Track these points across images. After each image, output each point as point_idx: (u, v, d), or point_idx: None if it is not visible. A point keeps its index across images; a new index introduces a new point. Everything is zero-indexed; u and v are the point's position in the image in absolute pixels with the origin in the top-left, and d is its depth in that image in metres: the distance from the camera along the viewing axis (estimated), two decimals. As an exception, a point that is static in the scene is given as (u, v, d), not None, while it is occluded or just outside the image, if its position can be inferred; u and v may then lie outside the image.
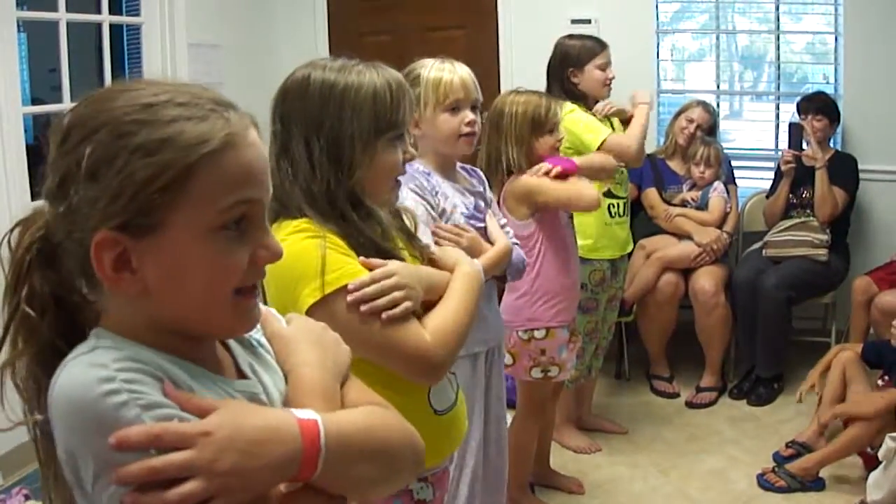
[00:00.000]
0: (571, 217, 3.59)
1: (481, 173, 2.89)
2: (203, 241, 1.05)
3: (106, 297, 1.10)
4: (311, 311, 1.72)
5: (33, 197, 4.23)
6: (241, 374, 1.21)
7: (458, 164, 2.76)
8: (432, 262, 2.03)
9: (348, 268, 1.77)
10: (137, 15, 5.14)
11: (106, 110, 1.04)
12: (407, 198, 2.36)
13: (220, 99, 1.10)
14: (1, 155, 4.04)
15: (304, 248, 1.77)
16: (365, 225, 1.86)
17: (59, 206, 1.06)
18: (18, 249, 1.10)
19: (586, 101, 4.17)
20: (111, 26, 4.97)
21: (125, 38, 5.78)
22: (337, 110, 1.83)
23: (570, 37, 4.31)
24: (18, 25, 4.40)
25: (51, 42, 4.60)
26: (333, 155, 1.83)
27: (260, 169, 1.10)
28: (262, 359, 1.26)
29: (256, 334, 1.28)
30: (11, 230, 1.12)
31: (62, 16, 4.51)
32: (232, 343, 1.23)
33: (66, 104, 4.57)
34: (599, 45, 4.22)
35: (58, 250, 1.10)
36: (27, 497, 3.52)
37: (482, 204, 2.72)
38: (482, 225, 2.67)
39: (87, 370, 1.00)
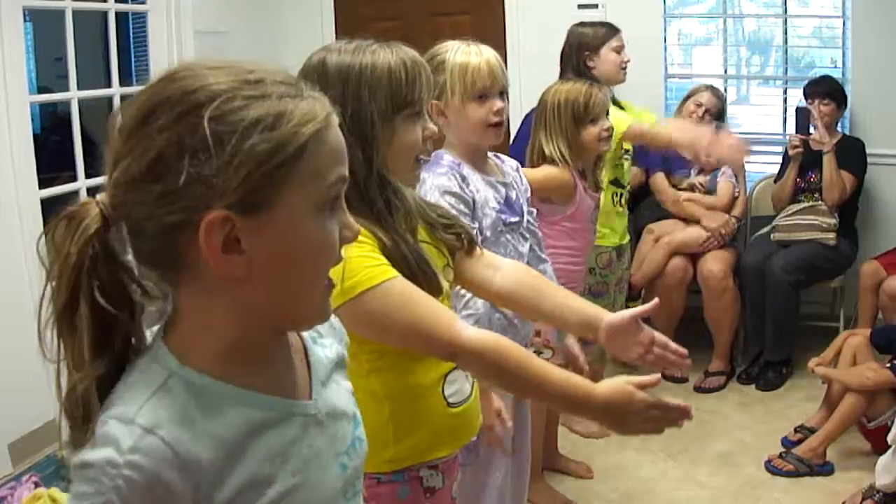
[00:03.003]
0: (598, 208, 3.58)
1: (513, 160, 2.82)
2: (310, 219, 1.04)
3: (181, 291, 1.07)
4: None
5: (40, 185, 4.24)
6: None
7: (490, 153, 2.70)
8: None
9: (366, 272, 1.74)
10: (143, 3, 5.14)
11: (206, 85, 1.00)
12: (429, 193, 2.36)
13: (305, 81, 1.09)
14: (8, 143, 4.05)
15: None
16: (391, 213, 1.85)
17: (150, 189, 0.99)
18: (71, 245, 1.01)
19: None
20: (117, 14, 4.97)
21: (131, 25, 5.78)
22: (356, 90, 1.81)
23: (582, 24, 4.31)
24: (24, 14, 4.39)
25: (57, 31, 4.60)
26: (358, 135, 1.80)
27: (345, 148, 1.10)
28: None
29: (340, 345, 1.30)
30: (56, 224, 1.03)
31: (68, 4, 4.51)
32: (314, 355, 1.23)
33: (73, 93, 4.58)
34: (612, 30, 4.22)
35: (112, 242, 1.04)
36: (37, 484, 3.53)
37: (514, 196, 2.67)
38: (515, 219, 2.64)
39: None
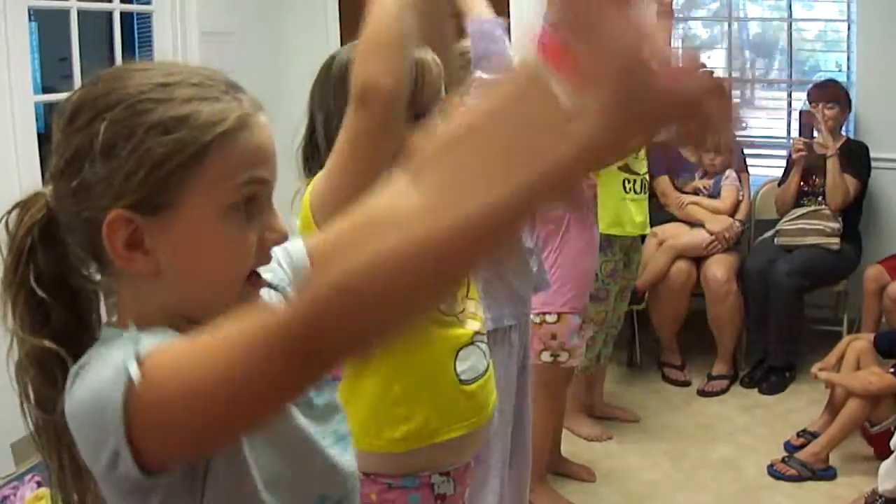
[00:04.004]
0: (596, 203, 3.57)
1: None
2: (215, 220, 1.05)
3: (115, 280, 1.10)
4: None
5: (45, 185, 4.24)
6: None
7: None
8: None
9: None
10: (148, 3, 5.14)
11: (119, 88, 1.04)
12: None
13: (230, 82, 1.10)
14: (13, 143, 4.05)
15: None
16: None
17: (68, 186, 1.05)
18: (19, 231, 1.10)
19: None
20: (122, 14, 4.97)
21: (136, 26, 5.78)
22: (328, 87, 1.81)
23: None
24: (29, 14, 4.40)
25: (62, 31, 4.60)
26: (326, 134, 1.80)
27: (269, 151, 1.10)
28: None
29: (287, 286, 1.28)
30: (9, 212, 1.12)
31: (73, 4, 4.51)
32: None
33: (78, 92, 4.58)
34: None
35: (60, 232, 1.09)
36: (39, 484, 3.53)
37: None
38: None
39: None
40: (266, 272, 1.15)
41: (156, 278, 1.05)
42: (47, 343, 1.07)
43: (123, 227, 1.02)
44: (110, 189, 1.02)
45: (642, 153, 4.21)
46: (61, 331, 1.09)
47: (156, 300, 1.08)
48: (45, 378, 1.08)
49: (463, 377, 1.96)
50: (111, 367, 0.93)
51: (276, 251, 1.18)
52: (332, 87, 1.82)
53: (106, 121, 1.02)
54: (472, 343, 1.98)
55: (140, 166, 1.01)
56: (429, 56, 1.87)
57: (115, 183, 1.02)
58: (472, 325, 2.00)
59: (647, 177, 4.21)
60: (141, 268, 1.04)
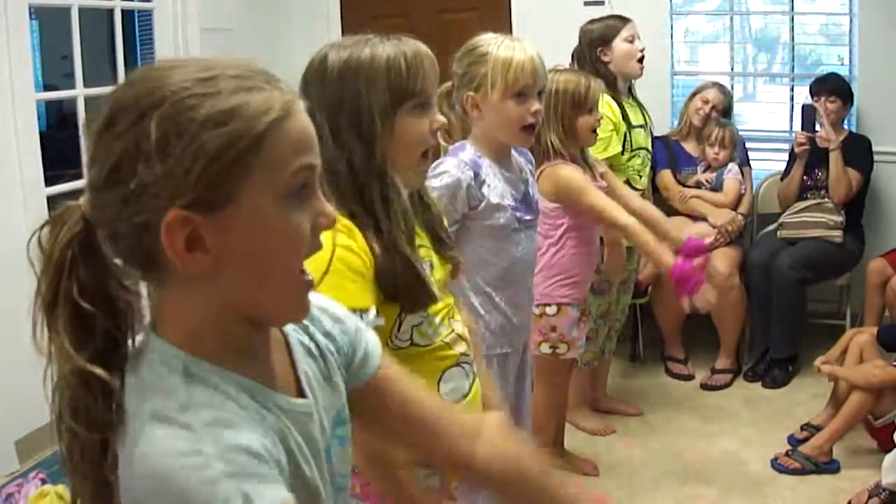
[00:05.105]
0: None
1: (527, 153, 2.77)
2: (274, 210, 1.03)
3: (162, 286, 1.08)
4: None
5: (46, 183, 4.25)
6: (300, 389, 1.19)
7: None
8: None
9: (337, 293, 1.51)
10: (149, 0, 5.14)
11: (160, 86, 1.01)
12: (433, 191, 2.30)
13: (265, 70, 1.09)
14: (15, 141, 4.06)
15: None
16: (388, 213, 1.79)
17: (115, 192, 1.01)
18: (56, 246, 1.05)
19: (615, 85, 4.10)
20: (123, 12, 4.97)
21: (137, 23, 5.79)
22: (353, 85, 1.77)
23: (592, 21, 4.27)
24: (30, 12, 4.40)
25: (63, 28, 4.61)
26: (357, 131, 1.78)
27: (313, 136, 1.09)
28: (328, 364, 1.26)
29: (322, 336, 1.27)
30: (41, 228, 1.08)
31: (74, 2, 4.52)
32: (297, 352, 1.22)
33: (79, 90, 4.59)
34: (622, 20, 4.19)
35: (98, 243, 1.06)
36: (44, 481, 3.54)
37: (531, 193, 2.64)
38: (530, 217, 2.61)
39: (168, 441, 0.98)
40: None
41: (212, 279, 1.04)
42: (92, 365, 1.04)
43: (182, 228, 1.00)
44: (166, 189, 0.99)
45: (644, 178, 4.23)
46: (104, 345, 1.07)
47: (209, 302, 1.06)
48: (87, 396, 1.05)
49: (447, 399, 1.94)
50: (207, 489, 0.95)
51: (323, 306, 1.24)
52: (336, 87, 1.80)
53: (155, 119, 0.99)
54: (457, 364, 1.97)
55: (196, 162, 0.99)
56: (422, 47, 1.86)
57: (171, 182, 0.99)
58: (459, 348, 1.98)
59: (647, 192, 4.25)
60: (201, 268, 1.02)
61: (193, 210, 0.99)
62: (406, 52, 1.81)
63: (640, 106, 4.28)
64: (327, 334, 1.28)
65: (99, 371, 1.04)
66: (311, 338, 1.26)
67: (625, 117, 4.06)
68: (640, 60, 4.16)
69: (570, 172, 3.31)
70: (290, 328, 1.23)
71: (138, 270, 1.08)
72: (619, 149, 4.00)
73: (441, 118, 1.92)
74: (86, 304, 1.05)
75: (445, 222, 2.08)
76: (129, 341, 1.10)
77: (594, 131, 3.41)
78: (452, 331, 1.97)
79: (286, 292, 1.09)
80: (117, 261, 1.07)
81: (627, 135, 4.07)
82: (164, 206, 0.99)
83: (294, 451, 1.12)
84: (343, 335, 1.30)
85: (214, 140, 0.99)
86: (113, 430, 1.05)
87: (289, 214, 1.04)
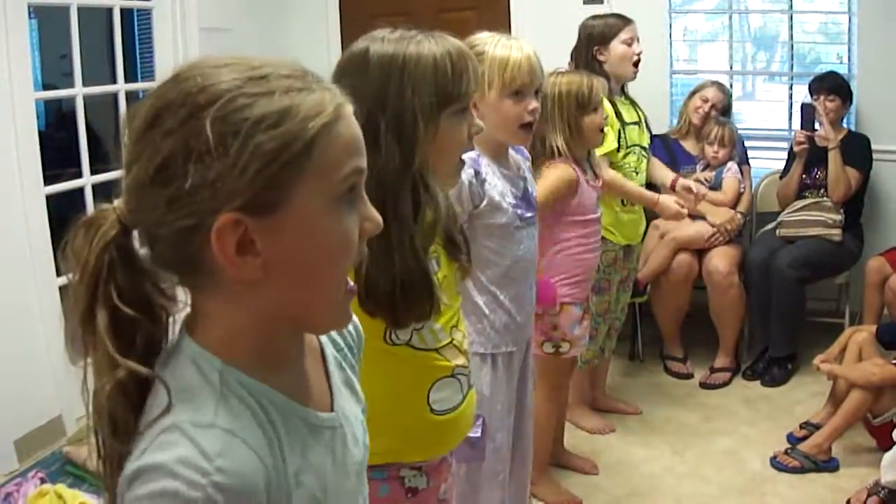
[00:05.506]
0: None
1: (524, 150, 2.75)
2: (325, 214, 1.01)
3: (202, 291, 1.05)
4: None
5: (45, 182, 4.25)
6: (331, 399, 1.18)
7: None
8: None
9: None
10: (148, -1, 5.15)
11: (211, 84, 0.98)
12: None
13: (313, 72, 1.06)
14: (14, 140, 4.06)
15: None
16: (416, 217, 1.75)
17: (160, 194, 0.97)
18: (92, 251, 1.00)
19: (609, 83, 4.08)
20: (122, 11, 4.97)
21: (136, 22, 5.79)
22: (398, 84, 1.73)
23: (594, 17, 4.25)
24: (29, 11, 4.40)
25: (62, 27, 4.61)
26: (399, 133, 1.73)
27: (362, 140, 1.07)
28: (348, 373, 1.25)
29: (346, 348, 1.27)
30: (74, 234, 1.02)
31: (73, 1, 4.51)
32: (331, 363, 1.21)
33: (78, 89, 4.59)
34: (623, 21, 4.14)
35: (133, 247, 1.03)
36: (42, 480, 3.54)
37: (530, 191, 2.64)
38: (530, 214, 2.61)
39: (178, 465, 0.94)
40: None
41: (258, 284, 1.01)
42: (137, 366, 1.01)
43: (233, 231, 0.97)
44: (220, 191, 0.96)
45: (640, 175, 4.23)
46: (146, 350, 1.04)
47: (252, 308, 1.03)
48: (129, 405, 1.02)
49: (435, 407, 1.93)
50: None
51: None
52: (378, 83, 1.74)
53: (210, 118, 0.95)
54: (451, 375, 1.95)
55: (251, 163, 0.96)
56: (465, 47, 1.82)
57: (226, 183, 0.95)
58: (456, 359, 1.96)
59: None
60: (250, 273, 0.99)
61: (246, 213, 0.97)
62: (452, 53, 1.77)
63: (633, 103, 4.26)
64: (350, 347, 1.28)
65: (140, 367, 1.01)
66: (338, 348, 1.25)
67: (618, 115, 4.06)
68: (636, 64, 4.13)
69: (561, 172, 3.33)
70: (324, 339, 1.22)
71: (175, 275, 1.05)
72: (615, 145, 4.00)
73: (479, 122, 1.88)
74: (128, 309, 1.01)
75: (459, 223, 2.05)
76: (165, 346, 1.08)
77: (601, 130, 3.42)
78: (452, 340, 1.96)
79: (332, 298, 1.07)
80: (152, 265, 1.04)
81: (622, 132, 4.06)
82: (216, 209, 0.96)
83: (314, 465, 1.09)
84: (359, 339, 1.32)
85: (269, 141, 0.96)
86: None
87: (340, 218, 1.03)
